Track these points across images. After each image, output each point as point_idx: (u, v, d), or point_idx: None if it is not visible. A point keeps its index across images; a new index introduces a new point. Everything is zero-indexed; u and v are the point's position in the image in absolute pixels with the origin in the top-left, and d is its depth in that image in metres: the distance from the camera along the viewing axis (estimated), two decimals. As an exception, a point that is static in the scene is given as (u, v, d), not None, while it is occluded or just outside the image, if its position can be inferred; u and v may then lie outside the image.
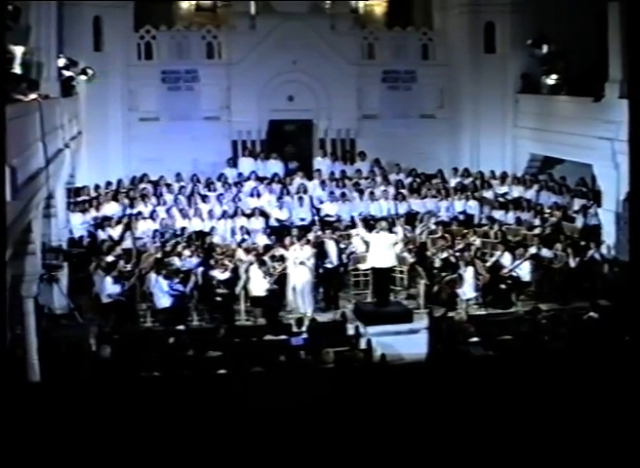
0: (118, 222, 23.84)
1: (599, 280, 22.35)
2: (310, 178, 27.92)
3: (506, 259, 22.15)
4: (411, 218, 25.35)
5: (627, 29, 9.78)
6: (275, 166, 28.63)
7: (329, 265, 22.07)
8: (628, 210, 9.79)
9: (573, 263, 22.14)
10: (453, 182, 28.11)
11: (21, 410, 8.36)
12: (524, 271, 21.98)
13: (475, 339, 18.31)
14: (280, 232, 24.16)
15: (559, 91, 27.93)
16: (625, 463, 8.43)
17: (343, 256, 22.63)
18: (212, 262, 21.23)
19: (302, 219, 25.61)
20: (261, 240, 23.30)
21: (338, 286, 22.37)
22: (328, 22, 30.04)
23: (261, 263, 21.05)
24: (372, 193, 26.66)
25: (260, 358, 16.82)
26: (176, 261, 21.36)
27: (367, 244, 22.08)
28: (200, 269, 21.08)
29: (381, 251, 21.63)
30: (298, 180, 27.39)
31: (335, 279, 22.22)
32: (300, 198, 26.11)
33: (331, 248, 22.20)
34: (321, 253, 21.99)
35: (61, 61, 23.30)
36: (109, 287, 19.92)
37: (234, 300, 20.91)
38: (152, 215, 24.43)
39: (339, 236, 23.19)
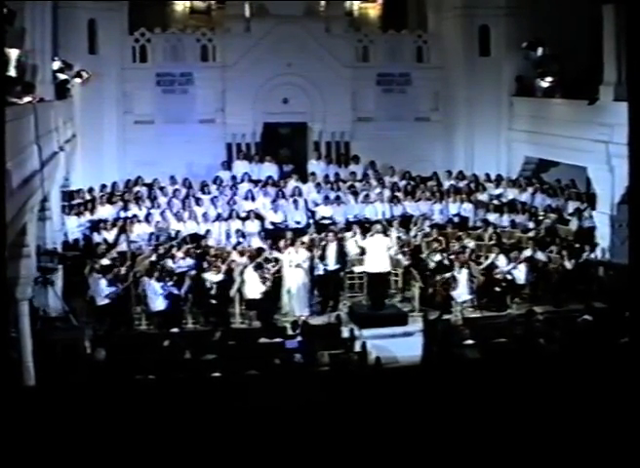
0: (113, 225, 23.82)
1: (594, 282, 22.39)
2: (305, 181, 27.91)
3: (501, 262, 22.15)
4: (405, 221, 25.34)
5: (627, 32, 9.79)
6: (270, 169, 28.59)
7: (328, 268, 22.00)
8: (628, 212, 9.79)
9: (568, 266, 22.15)
10: (447, 185, 28.12)
11: (17, 412, 8.36)
12: (519, 274, 21.99)
13: (470, 342, 18.33)
14: (275, 235, 24.14)
15: (554, 93, 27.96)
16: (622, 463, 8.45)
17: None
18: (205, 265, 21.21)
19: (298, 222, 25.60)
20: (257, 243, 23.28)
21: (337, 288, 22.34)
22: (322, 25, 30.03)
23: (256, 266, 21.03)
24: (366, 196, 26.65)
25: (255, 361, 16.84)
26: (170, 264, 21.34)
27: (362, 248, 22.10)
28: (194, 272, 21.08)
29: (376, 255, 21.63)
30: (292, 183, 27.37)
31: (332, 281, 22.17)
32: (296, 201, 26.09)
33: (330, 250, 22.12)
34: (322, 256, 21.96)
35: (56, 64, 23.29)
36: (104, 290, 19.90)
37: (229, 303, 20.90)
38: (147, 218, 24.40)
39: (337, 238, 23.03)
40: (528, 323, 18.92)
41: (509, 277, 21.91)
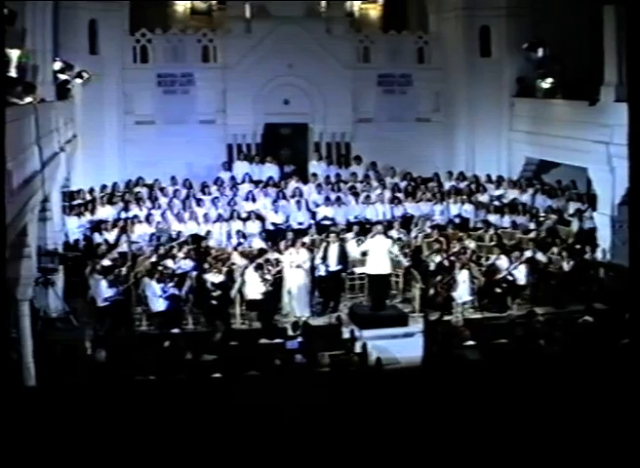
0: (114, 226, 23.83)
1: (594, 283, 22.36)
2: (306, 182, 27.91)
3: (502, 263, 22.13)
4: (406, 222, 25.33)
5: (627, 32, 9.78)
6: (270, 169, 28.60)
7: (330, 268, 21.96)
8: (628, 213, 9.78)
9: (568, 267, 22.14)
10: (447, 186, 28.11)
11: (17, 412, 8.36)
12: (519, 275, 21.96)
13: (471, 343, 18.31)
14: (276, 236, 24.14)
15: (554, 94, 27.96)
16: (622, 463, 8.45)
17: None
18: (206, 266, 21.20)
19: (301, 223, 25.59)
20: (258, 244, 23.27)
21: (337, 289, 22.31)
22: (323, 26, 30.03)
23: (257, 267, 21.02)
24: (367, 197, 26.65)
25: (256, 361, 16.83)
26: (170, 265, 21.33)
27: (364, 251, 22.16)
28: (195, 273, 21.07)
29: (377, 256, 21.63)
30: (293, 184, 27.37)
31: (333, 282, 22.14)
32: (298, 202, 26.09)
33: (332, 251, 22.07)
34: (324, 257, 21.93)
35: (57, 65, 23.31)
36: (105, 290, 19.89)
37: (229, 304, 20.88)
38: (148, 219, 24.40)
39: (339, 239, 22.96)
40: (528, 324, 18.89)
41: (510, 278, 21.89)
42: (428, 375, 11.26)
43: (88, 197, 25.90)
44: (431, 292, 21.63)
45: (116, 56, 28.89)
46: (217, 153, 29.35)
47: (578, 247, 23.29)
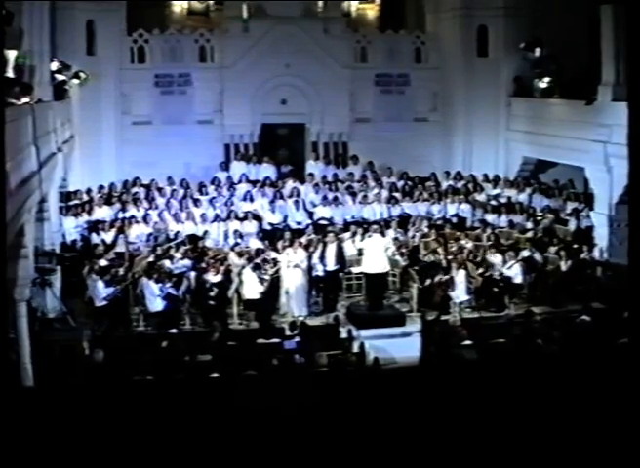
0: (111, 226, 23.82)
1: (592, 283, 22.36)
2: (303, 182, 27.88)
3: (499, 262, 22.13)
4: (403, 222, 25.32)
5: (626, 32, 9.78)
6: (267, 169, 28.57)
7: (327, 268, 21.94)
8: (628, 212, 9.77)
9: (565, 266, 22.14)
10: (445, 185, 28.11)
11: (15, 413, 8.35)
12: (516, 274, 21.95)
13: (468, 342, 18.32)
14: (273, 236, 24.14)
15: (552, 94, 27.97)
16: (622, 463, 8.44)
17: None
18: (203, 266, 21.20)
19: (299, 223, 25.58)
20: (255, 243, 23.27)
21: (335, 289, 22.30)
22: (321, 26, 30.01)
23: (255, 267, 21.02)
24: (365, 196, 26.63)
25: (253, 361, 16.83)
26: (168, 265, 21.33)
27: (360, 249, 22.16)
28: (192, 273, 21.06)
29: (375, 255, 21.63)
30: (290, 184, 27.35)
31: (331, 282, 22.13)
32: (296, 202, 26.09)
33: (330, 251, 22.06)
34: (322, 256, 21.92)
35: (54, 65, 23.28)
36: (102, 290, 19.89)
37: (227, 304, 20.88)
38: (145, 219, 24.39)
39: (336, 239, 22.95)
40: (526, 323, 18.92)
41: (508, 274, 21.85)
42: (426, 375, 11.25)
43: (85, 197, 25.86)
44: (429, 290, 21.63)
45: (113, 56, 28.86)
46: (214, 153, 29.33)
47: (575, 246, 23.30)
